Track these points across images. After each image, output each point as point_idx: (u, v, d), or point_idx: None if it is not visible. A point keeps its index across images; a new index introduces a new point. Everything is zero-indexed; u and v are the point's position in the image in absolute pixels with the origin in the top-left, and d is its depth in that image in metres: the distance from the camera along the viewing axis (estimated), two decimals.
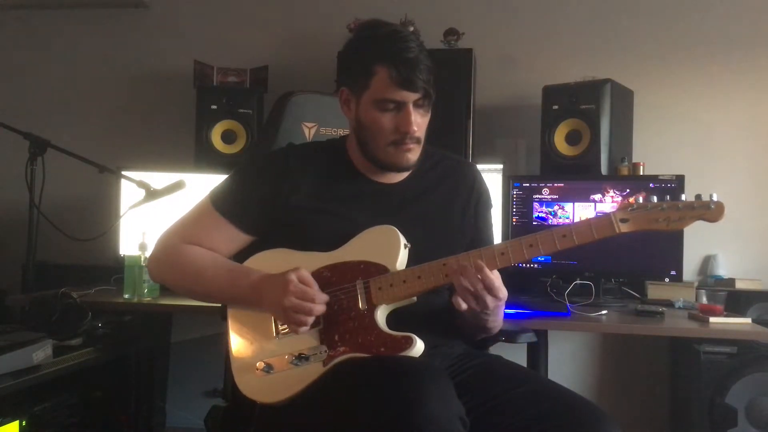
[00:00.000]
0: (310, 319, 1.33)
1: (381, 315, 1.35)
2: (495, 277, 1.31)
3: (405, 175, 1.52)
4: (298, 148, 1.59)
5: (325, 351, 1.34)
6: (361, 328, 1.34)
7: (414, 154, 1.46)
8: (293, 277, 1.33)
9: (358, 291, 1.36)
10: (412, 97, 1.40)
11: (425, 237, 1.43)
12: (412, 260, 1.39)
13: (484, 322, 1.41)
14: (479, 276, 1.29)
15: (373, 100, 1.41)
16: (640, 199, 1.32)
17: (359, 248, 1.40)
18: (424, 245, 1.39)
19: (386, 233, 1.40)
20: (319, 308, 1.33)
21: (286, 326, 1.39)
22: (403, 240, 1.38)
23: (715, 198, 1.29)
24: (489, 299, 1.30)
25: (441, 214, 1.52)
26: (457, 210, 1.54)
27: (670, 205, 1.30)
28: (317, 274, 1.39)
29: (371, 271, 1.37)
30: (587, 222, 1.33)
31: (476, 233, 1.55)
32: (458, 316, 1.39)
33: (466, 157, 2.76)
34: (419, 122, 1.43)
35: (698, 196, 1.30)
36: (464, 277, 1.30)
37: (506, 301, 1.65)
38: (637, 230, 1.31)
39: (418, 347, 1.28)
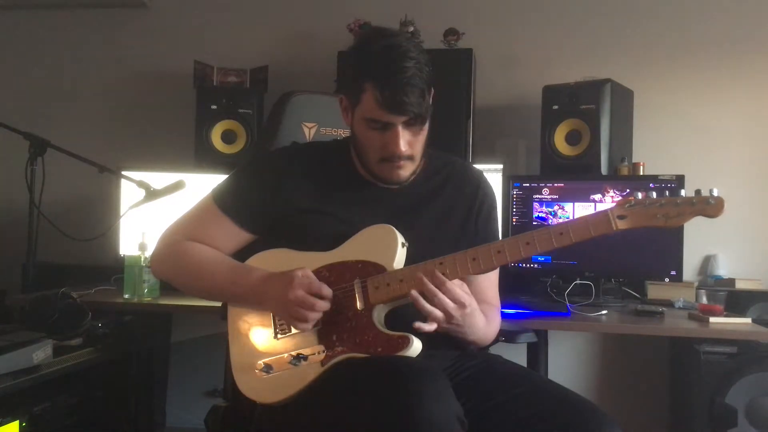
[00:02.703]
0: (314, 315, 1.33)
1: (378, 314, 1.35)
2: (456, 286, 1.30)
3: None
4: (302, 147, 1.59)
5: (323, 351, 1.35)
6: (359, 327, 1.34)
7: (406, 170, 1.44)
8: (298, 272, 1.34)
9: (356, 290, 1.36)
10: (399, 119, 1.36)
11: (426, 243, 1.42)
12: (412, 264, 1.38)
13: (460, 335, 1.38)
14: (440, 289, 1.29)
15: (362, 117, 1.40)
16: (639, 195, 1.30)
17: (357, 248, 1.40)
18: (425, 251, 1.38)
19: (384, 232, 1.40)
20: (323, 304, 1.33)
21: (285, 326, 1.39)
22: (400, 239, 1.38)
23: (715, 193, 1.26)
24: (448, 303, 1.29)
25: (443, 219, 1.51)
26: (459, 215, 1.53)
27: (668, 201, 1.28)
28: (316, 274, 1.38)
29: (369, 270, 1.37)
30: (584, 219, 1.31)
31: (480, 238, 1.52)
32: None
33: (466, 157, 2.76)
34: (410, 140, 1.40)
35: (698, 192, 1.28)
36: (424, 292, 1.29)
37: (506, 301, 1.66)
38: (635, 227, 1.29)
39: (416, 347, 1.28)
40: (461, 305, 1.31)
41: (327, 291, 1.34)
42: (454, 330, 1.36)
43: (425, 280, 1.30)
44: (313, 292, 1.32)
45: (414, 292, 1.30)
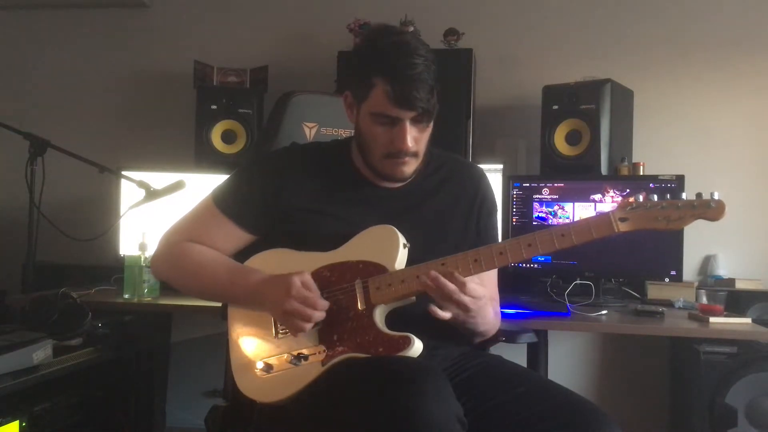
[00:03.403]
0: (309, 326, 1.33)
1: (379, 315, 1.35)
2: (467, 280, 1.31)
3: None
4: (302, 148, 1.59)
5: (324, 351, 1.35)
6: (360, 328, 1.34)
7: (410, 167, 1.45)
8: (296, 280, 1.33)
9: (357, 291, 1.36)
10: (408, 114, 1.37)
11: (427, 242, 1.43)
12: (413, 265, 1.37)
13: (472, 325, 1.40)
14: (453, 282, 1.30)
15: (370, 112, 1.40)
16: (640, 198, 1.30)
17: (359, 248, 1.40)
18: (426, 250, 1.38)
19: (385, 233, 1.40)
20: (319, 315, 1.33)
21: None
22: (402, 239, 1.38)
23: (716, 196, 1.26)
24: (467, 300, 1.30)
25: (443, 218, 1.51)
26: (460, 214, 1.53)
27: (669, 204, 1.28)
28: (317, 274, 1.39)
29: (370, 270, 1.37)
30: (586, 221, 1.31)
31: (480, 237, 1.53)
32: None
33: (465, 157, 2.76)
34: (416, 137, 1.41)
35: (699, 195, 1.28)
36: (438, 286, 1.30)
37: (506, 301, 1.67)
38: (637, 229, 1.29)
39: (416, 347, 1.28)
40: (477, 298, 1.32)
41: (322, 304, 1.34)
42: (469, 321, 1.37)
43: (443, 280, 1.29)
44: (309, 305, 1.32)
45: (427, 281, 1.30)
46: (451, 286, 1.29)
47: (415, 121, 1.39)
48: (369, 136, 1.43)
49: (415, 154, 1.43)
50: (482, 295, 1.33)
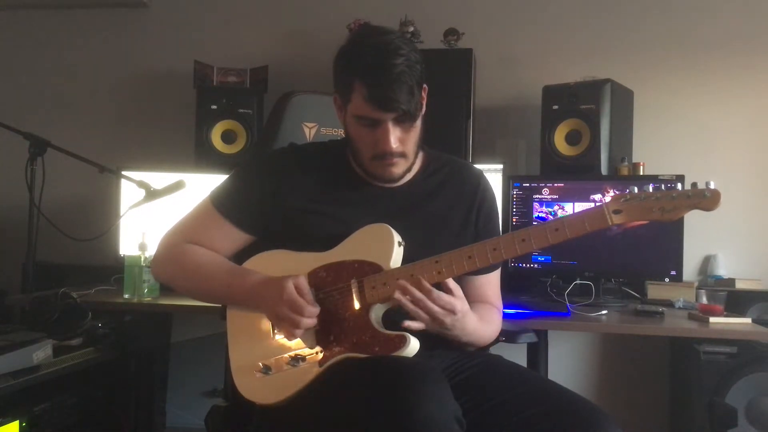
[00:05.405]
0: (299, 332, 1.33)
1: (375, 314, 1.35)
2: (443, 294, 1.30)
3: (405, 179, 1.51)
4: (300, 148, 1.59)
5: (321, 351, 1.35)
6: (356, 327, 1.34)
7: (399, 168, 1.44)
8: (289, 284, 1.33)
9: (353, 290, 1.36)
10: (388, 116, 1.36)
11: (424, 242, 1.42)
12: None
13: (452, 337, 1.38)
14: (427, 297, 1.28)
15: (353, 115, 1.40)
16: (635, 190, 1.28)
17: (354, 247, 1.40)
18: (423, 250, 1.37)
19: (380, 231, 1.39)
20: (308, 322, 1.33)
21: None
22: (397, 238, 1.37)
23: (712, 186, 1.24)
24: (437, 309, 1.29)
25: (441, 219, 1.50)
26: (458, 215, 1.53)
27: (663, 194, 1.26)
28: (313, 274, 1.39)
29: (366, 270, 1.36)
30: (579, 215, 1.29)
31: (479, 238, 1.51)
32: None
33: (466, 157, 2.76)
34: (401, 137, 1.40)
35: (694, 184, 1.26)
36: (408, 295, 1.29)
37: (506, 301, 1.66)
38: (631, 221, 1.26)
39: (413, 346, 1.27)
40: (450, 311, 1.31)
41: (310, 311, 1.32)
42: (443, 333, 1.36)
43: (410, 288, 1.29)
44: (296, 312, 1.32)
45: (398, 294, 1.30)
46: (419, 294, 1.28)
47: (398, 122, 1.38)
48: (355, 138, 1.44)
49: (402, 154, 1.42)
50: (457, 308, 1.31)
